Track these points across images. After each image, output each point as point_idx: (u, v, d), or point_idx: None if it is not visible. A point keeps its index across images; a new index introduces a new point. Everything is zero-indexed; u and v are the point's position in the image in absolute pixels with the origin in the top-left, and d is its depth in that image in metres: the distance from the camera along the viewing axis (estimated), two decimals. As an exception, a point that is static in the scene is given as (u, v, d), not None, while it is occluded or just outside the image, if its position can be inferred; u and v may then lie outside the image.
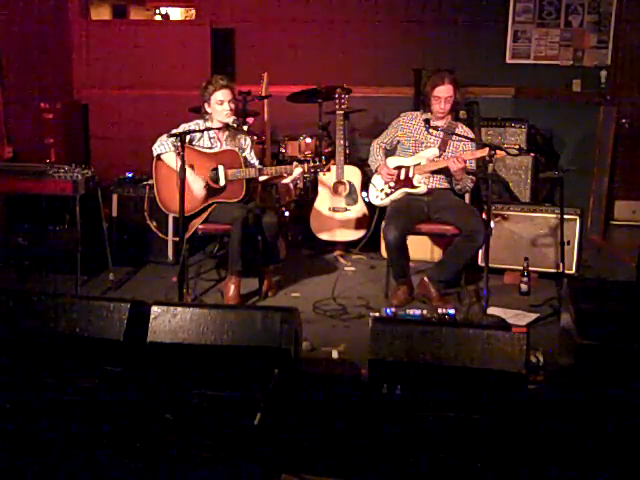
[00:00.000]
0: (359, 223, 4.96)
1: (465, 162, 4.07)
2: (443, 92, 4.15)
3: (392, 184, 4.27)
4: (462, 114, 5.61)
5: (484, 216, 4.00)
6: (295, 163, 4.14)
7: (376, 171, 4.33)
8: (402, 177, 4.26)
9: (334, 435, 2.76)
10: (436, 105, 4.19)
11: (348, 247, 5.11)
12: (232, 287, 4.10)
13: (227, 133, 4.22)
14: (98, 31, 6.57)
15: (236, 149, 4.19)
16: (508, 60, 6.14)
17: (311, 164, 4.12)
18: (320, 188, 5.01)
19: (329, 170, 4.23)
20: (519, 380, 2.69)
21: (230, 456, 2.66)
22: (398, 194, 4.27)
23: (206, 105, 4.15)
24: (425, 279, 4.18)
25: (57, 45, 6.41)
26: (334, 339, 3.70)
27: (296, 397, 2.88)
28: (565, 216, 4.33)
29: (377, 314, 3.88)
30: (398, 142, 4.36)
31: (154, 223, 4.67)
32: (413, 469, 2.61)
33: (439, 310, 3.75)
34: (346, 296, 4.34)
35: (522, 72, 6.09)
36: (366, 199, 4.70)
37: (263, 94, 5.42)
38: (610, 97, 5.51)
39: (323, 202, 5.00)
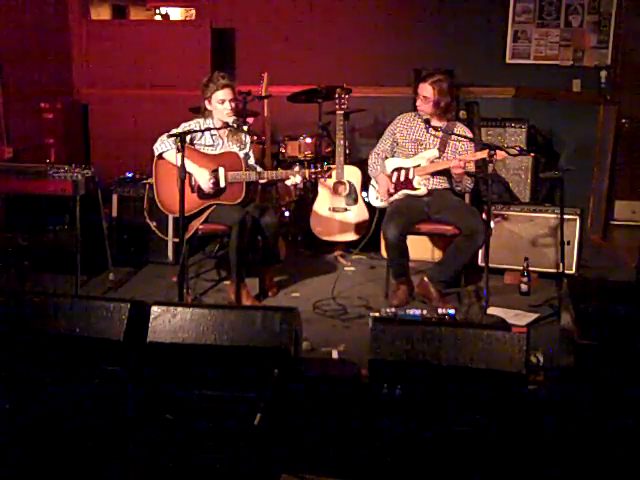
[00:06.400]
0: (359, 223, 4.96)
1: (465, 165, 4.08)
2: (421, 90, 4.19)
3: (392, 185, 4.27)
4: (462, 114, 5.62)
5: (484, 216, 4.00)
6: (297, 168, 4.13)
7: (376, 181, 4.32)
8: (402, 179, 4.25)
9: (334, 435, 2.76)
10: (417, 100, 4.23)
11: (348, 247, 5.10)
12: (234, 290, 4.10)
13: (229, 130, 4.22)
14: (98, 31, 6.57)
15: (238, 148, 4.19)
16: (508, 60, 6.14)
17: (312, 170, 4.10)
18: (320, 188, 5.01)
19: (330, 177, 4.22)
20: (519, 380, 2.69)
21: (230, 456, 2.66)
22: (398, 196, 4.26)
23: (206, 103, 4.14)
24: (425, 279, 4.18)
25: (57, 45, 6.41)
26: (334, 339, 3.70)
27: (296, 397, 2.88)
28: (565, 216, 4.32)
29: (377, 314, 3.88)
30: (397, 144, 4.35)
31: (154, 223, 4.66)
32: (413, 469, 2.61)
33: (439, 310, 3.75)
34: (346, 296, 4.34)
35: (522, 72, 6.09)
36: (366, 199, 4.70)
37: (263, 94, 5.41)
38: (610, 97, 5.51)
39: (323, 202, 5.00)
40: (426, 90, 4.16)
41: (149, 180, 4.56)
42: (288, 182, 4.18)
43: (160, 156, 4.10)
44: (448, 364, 2.73)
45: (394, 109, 4.69)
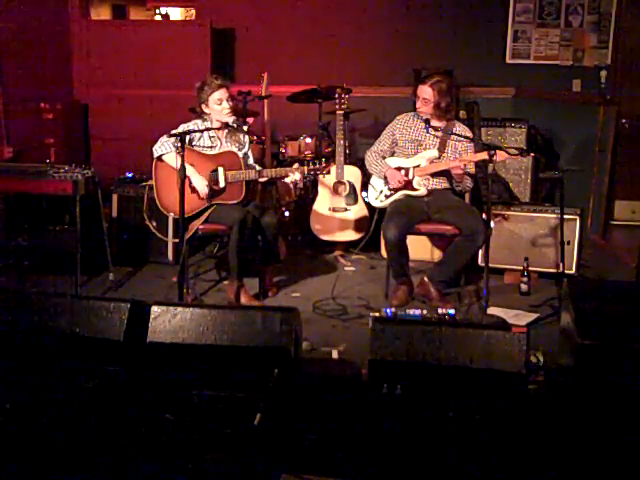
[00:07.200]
0: (359, 223, 4.96)
1: (465, 166, 4.08)
2: (420, 92, 4.19)
3: (391, 186, 4.26)
4: (462, 114, 5.61)
5: (484, 216, 4.00)
6: (296, 165, 4.14)
7: (384, 178, 4.30)
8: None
9: (334, 435, 2.76)
10: (417, 102, 4.23)
11: (348, 247, 5.10)
12: (234, 289, 4.10)
13: (227, 130, 4.22)
14: (98, 31, 6.57)
15: (236, 148, 4.20)
16: (508, 60, 6.14)
17: (311, 167, 4.10)
18: (320, 188, 5.01)
19: (329, 173, 4.22)
20: (519, 380, 2.69)
21: (230, 456, 2.66)
22: (397, 196, 4.26)
23: (204, 106, 4.14)
24: (425, 279, 4.18)
25: (57, 45, 6.41)
26: (334, 339, 3.70)
27: (296, 397, 2.88)
28: (565, 216, 4.33)
29: (377, 314, 3.88)
30: (396, 144, 4.35)
31: (153, 224, 4.67)
32: (413, 469, 2.61)
33: (439, 310, 3.75)
34: (346, 296, 4.34)
35: (522, 72, 6.09)
36: (366, 199, 4.69)
37: (263, 94, 5.42)
38: (610, 97, 5.51)
39: (323, 202, 5.00)
40: (426, 92, 4.16)
41: (149, 182, 4.56)
42: (287, 180, 4.18)
43: (160, 158, 4.10)
44: (448, 364, 2.73)
45: (394, 109, 4.69)
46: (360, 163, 5.13)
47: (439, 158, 4.22)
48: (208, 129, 4.12)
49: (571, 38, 5.85)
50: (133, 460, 2.66)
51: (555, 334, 3.45)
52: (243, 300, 4.10)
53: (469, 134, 4.28)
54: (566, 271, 4.32)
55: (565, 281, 3.44)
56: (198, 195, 4.09)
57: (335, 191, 4.95)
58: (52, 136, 6.08)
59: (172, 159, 4.03)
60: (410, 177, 4.22)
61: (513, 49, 6.12)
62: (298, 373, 2.98)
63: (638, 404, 2.64)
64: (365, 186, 4.76)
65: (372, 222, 4.62)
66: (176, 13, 8.87)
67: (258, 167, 4.29)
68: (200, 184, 4.04)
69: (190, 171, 4.02)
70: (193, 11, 7.90)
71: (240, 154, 4.15)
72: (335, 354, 3.52)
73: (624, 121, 5.55)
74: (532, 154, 5.07)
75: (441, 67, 5.42)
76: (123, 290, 4.45)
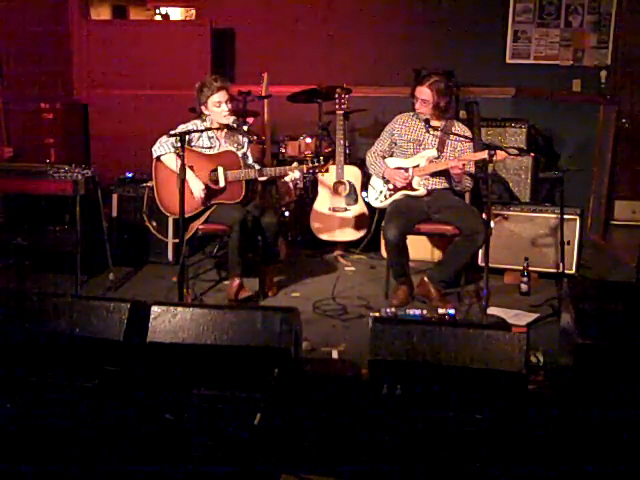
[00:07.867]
0: (359, 223, 4.96)
1: (464, 166, 4.08)
2: (419, 93, 4.19)
3: (391, 186, 4.27)
4: (462, 114, 5.62)
5: (484, 216, 4.00)
6: (295, 164, 4.14)
7: (383, 177, 4.30)
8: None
9: (334, 435, 2.76)
10: (416, 103, 4.22)
11: (348, 247, 5.11)
12: (235, 288, 4.11)
13: (226, 131, 4.22)
14: (98, 31, 6.56)
15: (235, 149, 4.20)
16: (508, 60, 6.14)
17: (310, 165, 4.11)
18: (320, 188, 5.01)
19: (327, 171, 4.22)
20: (519, 380, 2.69)
21: (230, 456, 2.66)
22: (397, 196, 4.26)
23: (203, 108, 4.14)
24: (425, 279, 4.18)
25: (57, 45, 6.41)
26: (334, 339, 3.70)
27: (296, 397, 2.88)
28: (565, 216, 4.33)
29: (377, 314, 3.88)
30: (395, 144, 4.35)
31: (153, 224, 4.67)
32: (413, 469, 2.61)
33: (439, 310, 3.75)
34: (346, 296, 4.34)
35: (522, 72, 6.08)
36: (366, 199, 4.69)
37: (263, 94, 5.42)
38: (610, 97, 5.51)
39: (323, 202, 5.00)
40: (424, 93, 4.16)
41: (149, 182, 4.56)
42: (287, 178, 4.19)
43: (159, 158, 4.10)
44: (448, 364, 2.73)
45: (394, 109, 4.68)
46: (360, 163, 5.14)
47: (438, 158, 4.22)
48: (207, 129, 4.12)
49: (571, 38, 5.86)
50: (133, 460, 2.66)
51: (555, 334, 3.45)
52: (240, 295, 4.10)
53: (468, 134, 4.28)
54: (566, 271, 4.32)
55: (565, 281, 3.45)
56: (198, 195, 4.10)
57: (335, 191, 4.95)
58: (52, 136, 6.08)
59: (170, 160, 4.03)
60: (410, 177, 4.22)
61: (513, 49, 6.12)
62: (298, 373, 2.98)
63: (637, 404, 2.64)
64: (365, 186, 4.76)
65: (372, 222, 4.62)
66: (176, 13, 8.87)
67: (257, 166, 4.29)
68: (196, 188, 4.03)
69: (188, 174, 4.01)
70: (193, 11, 7.90)
71: (239, 154, 4.15)
72: (335, 354, 3.52)
73: (624, 121, 5.56)
74: (532, 154, 5.08)
75: (441, 67, 5.42)
76: (123, 290, 4.44)
